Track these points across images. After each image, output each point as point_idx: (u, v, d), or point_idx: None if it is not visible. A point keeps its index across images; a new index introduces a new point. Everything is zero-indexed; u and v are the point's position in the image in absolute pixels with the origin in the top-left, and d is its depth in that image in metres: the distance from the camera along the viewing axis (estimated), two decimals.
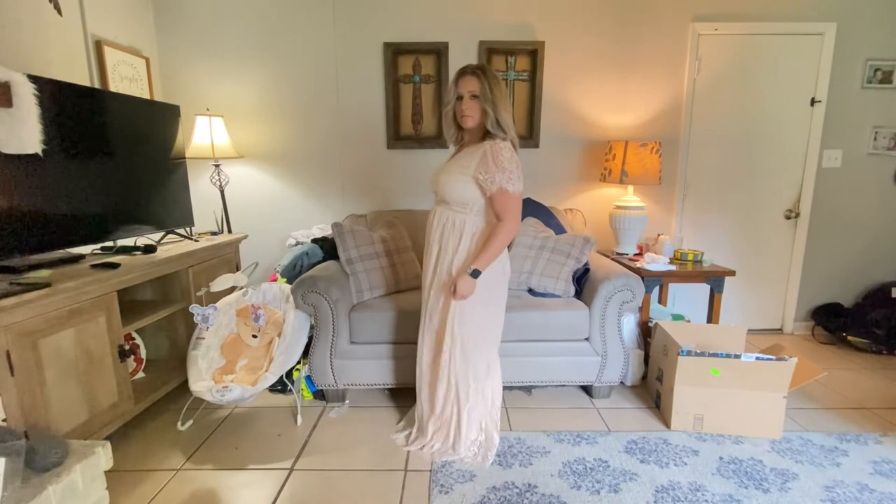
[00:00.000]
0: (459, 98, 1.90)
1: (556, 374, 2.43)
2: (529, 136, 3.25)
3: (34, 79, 1.82)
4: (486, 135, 1.91)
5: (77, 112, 2.08)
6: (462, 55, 3.10)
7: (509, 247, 2.25)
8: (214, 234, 3.02)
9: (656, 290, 3.17)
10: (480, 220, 1.95)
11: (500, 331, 2.06)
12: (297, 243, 3.01)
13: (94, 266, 2.03)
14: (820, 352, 3.20)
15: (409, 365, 2.27)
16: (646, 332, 2.69)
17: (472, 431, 2.05)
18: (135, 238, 2.49)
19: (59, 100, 1.98)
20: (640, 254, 3.08)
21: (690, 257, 2.90)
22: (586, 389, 2.59)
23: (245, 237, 3.13)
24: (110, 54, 2.67)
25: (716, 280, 2.80)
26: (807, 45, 3.14)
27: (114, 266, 2.05)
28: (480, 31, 3.10)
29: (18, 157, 1.80)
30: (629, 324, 2.63)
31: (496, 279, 1.97)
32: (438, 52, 3.12)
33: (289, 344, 2.27)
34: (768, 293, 3.47)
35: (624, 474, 1.92)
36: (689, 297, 3.38)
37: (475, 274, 1.87)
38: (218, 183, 3.05)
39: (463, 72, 1.91)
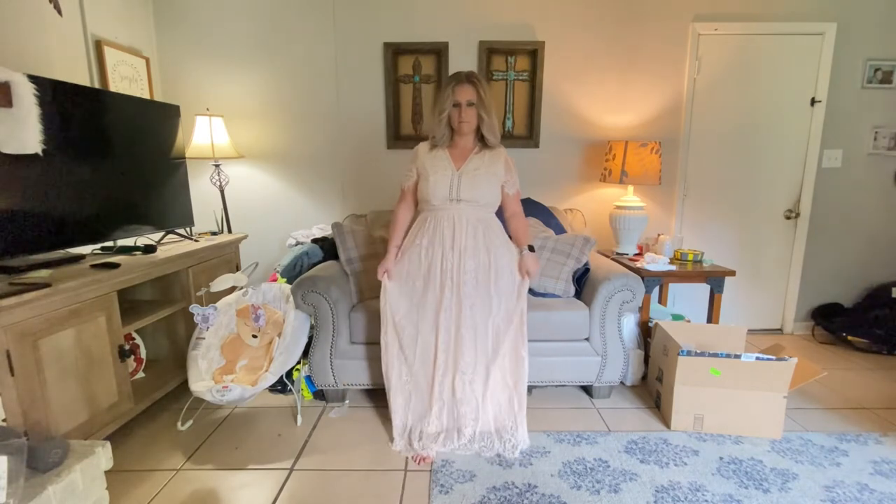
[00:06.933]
0: (455, 105, 2.01)
1: (556, 374, 2.43)
2: (529, 136, 3.25)
3: (34, 79, 1.82)
4: (480, 137, 2.11)
5: (77, 112, 2.08)
6: (462, 55, 3.10)
7: None
8: (214, 234, 3.02)
9: (656, 290, 3.17)
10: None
11: None
12: (297, 243, 3.01)
13: (94, 266, 2.03)
14: (820, 352, 3.20)
15: None
16: (646, 332, 2.69)
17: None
18: (135, 238, 2.49)
19: (59, 100, 1.97)
20: (640, 254, 3.08)
21: (690, 257, 2.90)
22: (586, 389, 2.59)
23: (245, 237, 3.13)
24: (110, 54, 2.68)
25: (716, 280, 2.80)
26: (807, 45, 3.14)
27: (114, 266, 2.05)
28: (480, 31, 3.10)
29: (18, 156, 1.80)
30: (629, 324, 2.63)
31: None
32: (438, 52, 3.12)
33: (289, 344, 2.27)
34: (768, 293, 3.47)
35: (624, 474, 1.92)
36: (689, 297, 3.38)
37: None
38: (218, 183, 3.05)
39: (458, 80, 2.01)
